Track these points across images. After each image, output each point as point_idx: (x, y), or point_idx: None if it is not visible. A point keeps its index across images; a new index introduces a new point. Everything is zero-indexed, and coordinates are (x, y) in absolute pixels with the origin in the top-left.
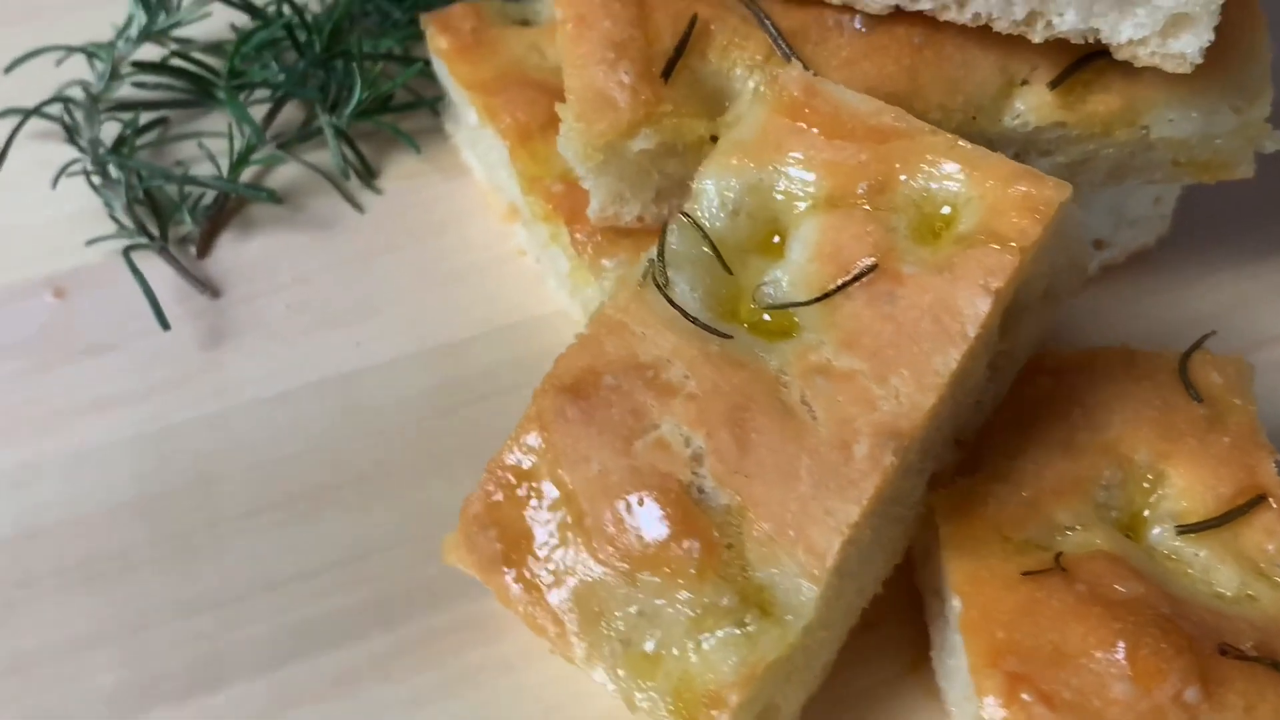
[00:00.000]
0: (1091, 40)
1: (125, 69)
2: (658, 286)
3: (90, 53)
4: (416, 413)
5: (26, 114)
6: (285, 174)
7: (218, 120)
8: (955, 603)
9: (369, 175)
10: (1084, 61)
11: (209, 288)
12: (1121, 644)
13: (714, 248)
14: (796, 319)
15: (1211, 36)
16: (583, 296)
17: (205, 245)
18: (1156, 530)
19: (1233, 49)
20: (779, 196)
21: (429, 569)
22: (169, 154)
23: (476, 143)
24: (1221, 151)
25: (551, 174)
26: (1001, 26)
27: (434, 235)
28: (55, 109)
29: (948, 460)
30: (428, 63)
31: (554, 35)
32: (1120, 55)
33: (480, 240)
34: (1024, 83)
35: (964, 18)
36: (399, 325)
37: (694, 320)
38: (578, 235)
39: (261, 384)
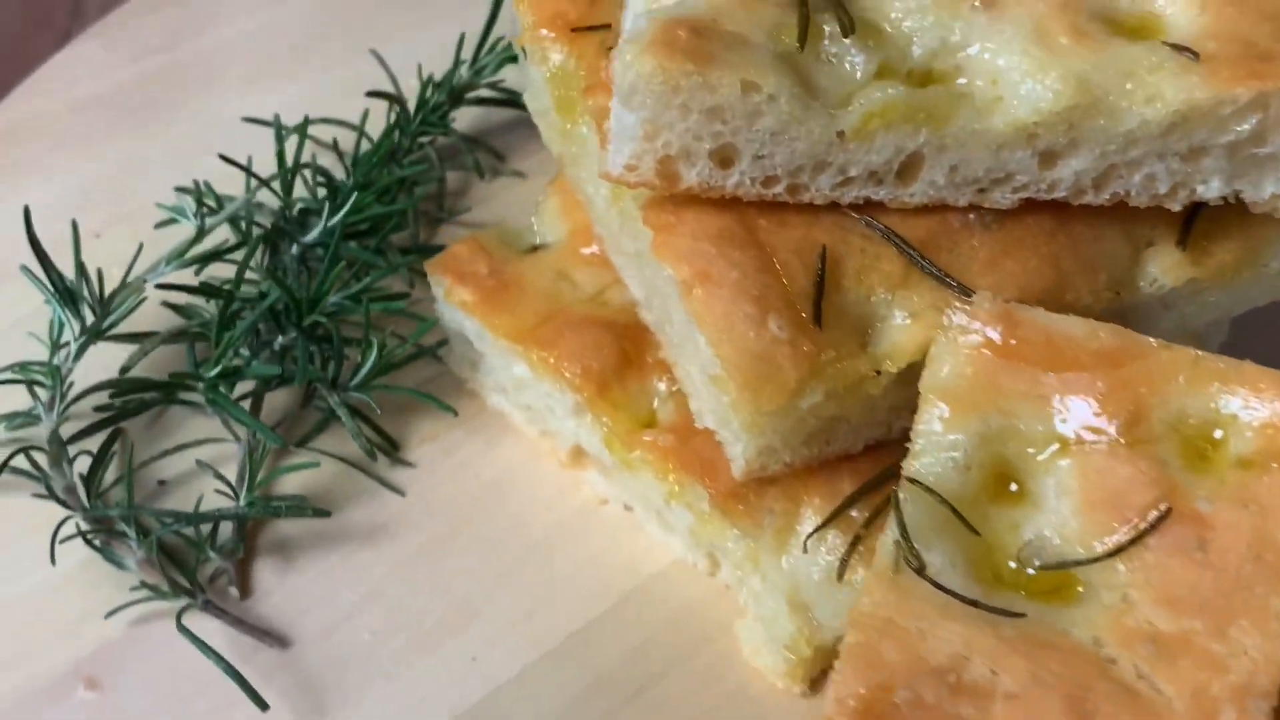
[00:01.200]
0: (1231, 200)
1: (74, 387)
2: (916, 572)
3: (31, 381)
4: None
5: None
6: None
7: (189, 421)
8: None
9: (393, 449)
10: (1198, 209)
11: (273, 637)
12: None
13: (957, 512)
14: (1078, 575)
15: None
16: (713, 548)
17: (245, 583)
18: None
19: None
20: (1013, 443)
21: None
22: (146, 475)
23: (518, 391)
24: None
25: (639, 421)
26: (1140, 201)
27: (495, 502)
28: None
29: None
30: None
31: (573, 256)
32: (1259, 209)
33: (548, 495)
34: (1149, 245)
35: (1101, 199)
36: (508, 624)
37: (975, 603)
38: (721, 494)
39: None
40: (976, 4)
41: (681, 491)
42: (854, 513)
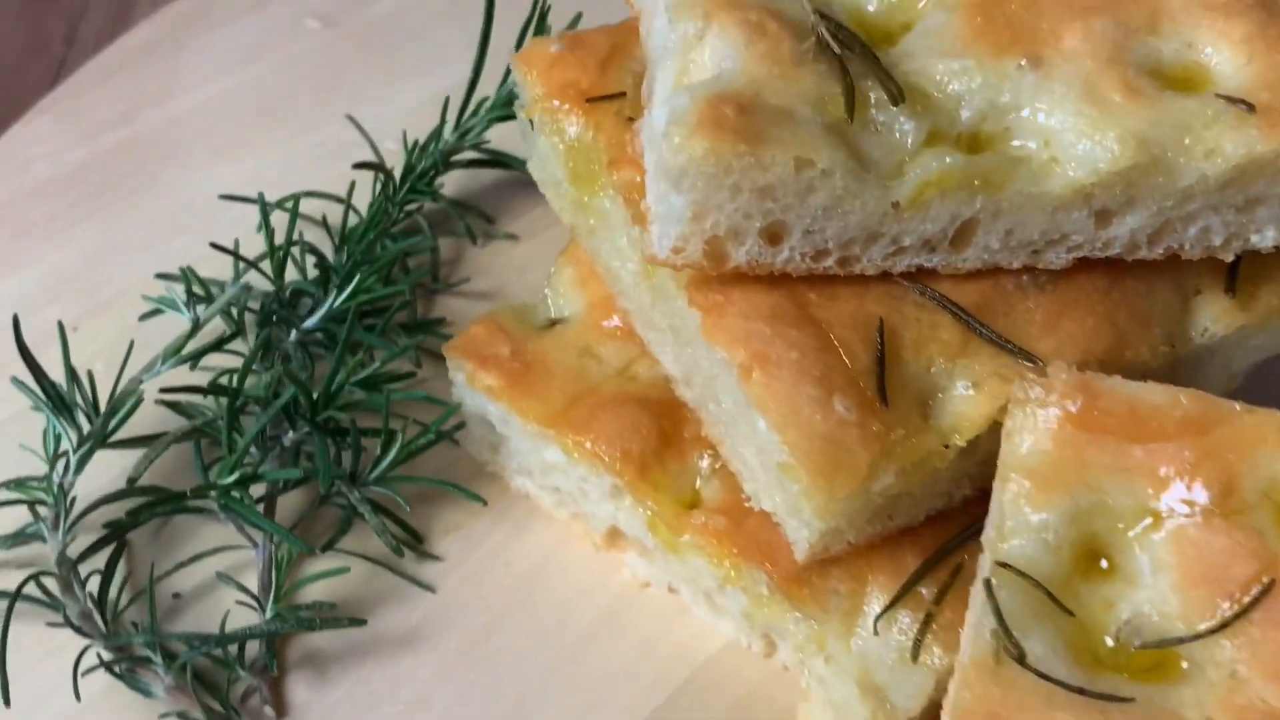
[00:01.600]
0: None
1: (76, 501)
2: (1016, 661)
3: (36, 501)
4: None
5: (11, 601)
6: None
7: (198, 527)
8: None
9: (418, 543)
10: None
11: None
12: None
13: (1053, 596)
14: (1180, 651)
15: None
16: (770, 630)
17: (280, 701)
18: None
19: None
20: (1102, 519)
21: None
22: (160, 589)
23: (546, 474)
24: None
25: (682, 502)
26: (1193, 254)
27: (532, 593)
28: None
29: None
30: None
31: (595, 330)
32: None
33: (586, 582)
34: (1197, 293)
35: (1155, 253)
36: None
37: (1082, 691)
38: (783, 578)
39: None
40: (1023, 63)
41: (738, 575)
42: (921, 588)
